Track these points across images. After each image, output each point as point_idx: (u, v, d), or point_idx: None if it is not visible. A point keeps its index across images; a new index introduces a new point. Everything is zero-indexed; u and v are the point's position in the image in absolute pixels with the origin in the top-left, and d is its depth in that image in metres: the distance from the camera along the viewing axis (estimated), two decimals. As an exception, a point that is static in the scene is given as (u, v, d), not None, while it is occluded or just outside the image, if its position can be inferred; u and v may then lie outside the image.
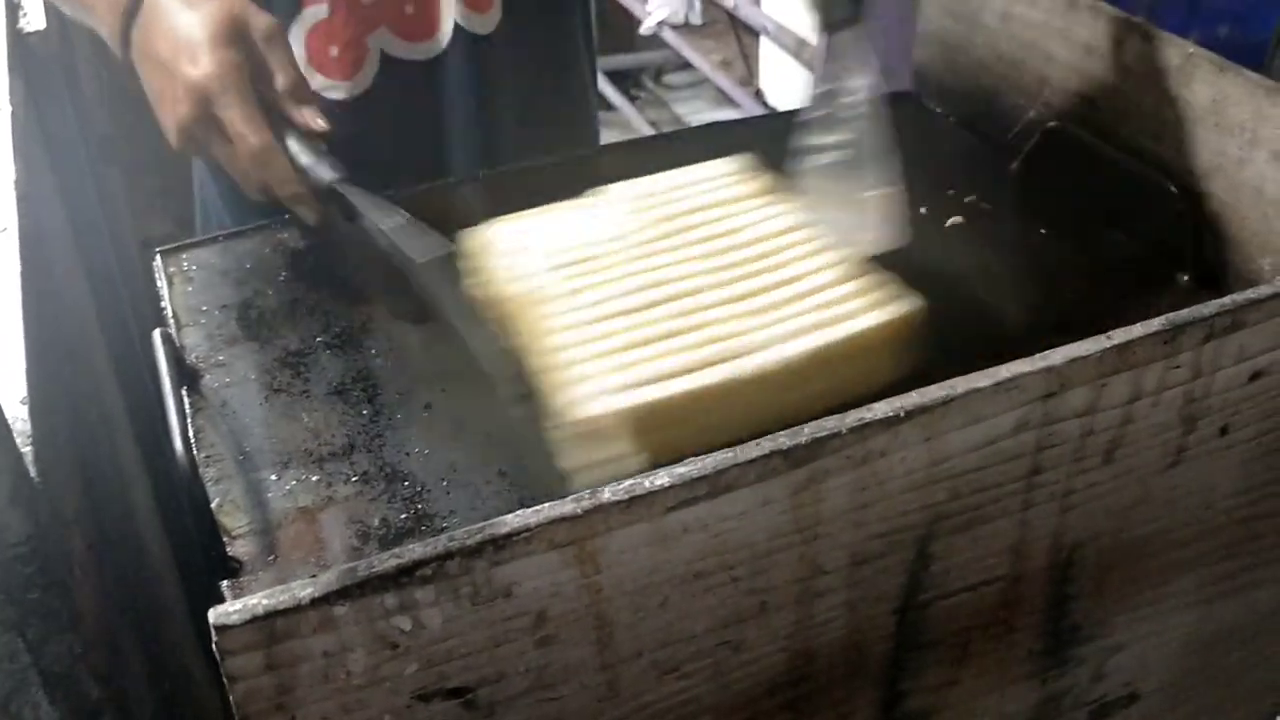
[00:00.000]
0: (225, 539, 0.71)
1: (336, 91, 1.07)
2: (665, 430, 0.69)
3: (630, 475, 0.55)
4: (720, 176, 0.90)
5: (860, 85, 0.84)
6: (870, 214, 0.81)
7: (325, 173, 0.89)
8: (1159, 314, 0.66)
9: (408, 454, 0.77)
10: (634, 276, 0.79)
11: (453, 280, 0.85)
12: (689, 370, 0.70)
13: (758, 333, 0.73)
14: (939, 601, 0.68)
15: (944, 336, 0.81)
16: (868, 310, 0.74)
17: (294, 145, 0.89)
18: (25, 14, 1.30)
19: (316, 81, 1.06)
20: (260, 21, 0.90)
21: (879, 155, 0.82)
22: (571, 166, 1.08)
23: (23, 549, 0.67)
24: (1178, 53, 0.92)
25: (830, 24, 0.83)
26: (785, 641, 0.64)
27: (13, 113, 1.07)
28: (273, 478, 0.75)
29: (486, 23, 1.09)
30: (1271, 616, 0.86)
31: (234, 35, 0.88)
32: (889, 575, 0.65)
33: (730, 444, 0.58)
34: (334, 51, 1.06)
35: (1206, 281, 0.91)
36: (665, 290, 0.78)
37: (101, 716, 0.76)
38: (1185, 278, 0.92)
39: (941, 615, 0.69)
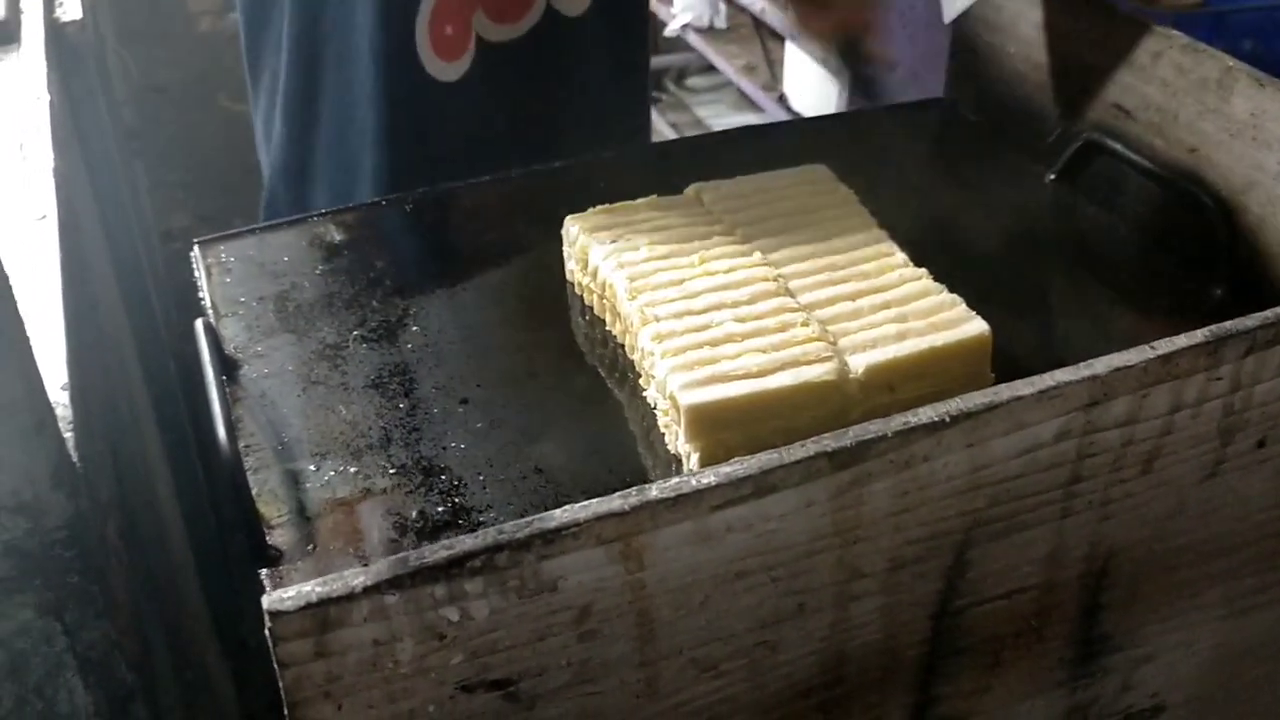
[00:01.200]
0: (265, 529, 0.71)
1: (449, 74, 1.10)
2: (751, 425, 0.70)
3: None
4: (804, 184, 0.93)
5: None
6: None
7: None
8: (1193, 327, 0.67)
9: (444, 448, 0.78)
10: (728, 274, 0.82)
11: None
12: (777, 369, 0.72)
13: (841, 339, 0.75)
14: (974, 608, 0.69)
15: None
16: (945, 327, 0.76)
17: None
18: (61, 3, 1.31)
19: (435, 66, 1.09)
20: None
21: None
22: (650, 160, 1.12)
23: (63, 533, 0.68)
24: (1217, 66, 0.92)
25: None
26: (821, 644, 0.65)
27: (50, 102, 1.08)
28: (311, 468, 0.76)
29: (576, 5, 1.12)
30: (1299, 631, 0.86)
31: None
32: (926, 581, 0.66)
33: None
34: (448, 30, 1.09)
35: (1241, 295, 0.91)
36: (754, 289, 0.80)
37: (133, 702, 0.76)
38: (1219, 291, 0.92)
39: (976, 622, 0.70)
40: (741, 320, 0.77)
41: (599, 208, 0.91)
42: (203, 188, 2.77)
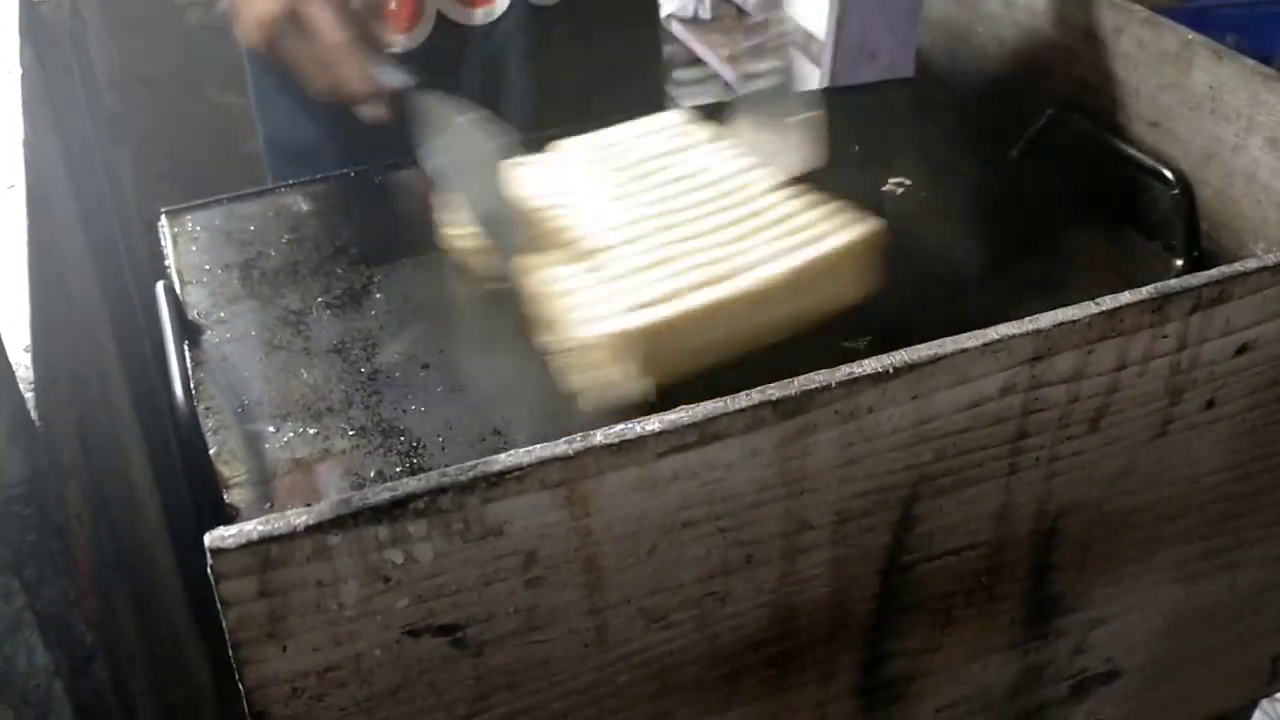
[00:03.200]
0: (223, 488, 0.72)
1: (393, 44, 1.09)
2: (661, 352, 0.74)
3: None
4: (671, 126, 0.95)
5: (782, 17, 0.95)
6: (794, 137, 0.90)
7: (397, 77, 0.90)
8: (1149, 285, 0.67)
9: (404, 411, 0.78)
10: (613, 214, 0.84)
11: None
12: (679, 294, 0.75)
13: (738, 258, 0.79)
14: (923, 564, 0.69)
15: (938, 307, 0.86)
16: (836, 232, 0.81)
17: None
18: (37, -18, 1.31)
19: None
20: None
21: (801, 81, 0.91)
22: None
23: (21, 489, 0.68)
24: (1176, 39, 0.93)
25: None
26: (770, 596, 0.65)
27: (21, 75, 1.08)
28: (270, 430, 0.76)
29: None
30: (1253, 598, 0.87)
31: None
32: (874, 534, 0.66)
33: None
34: (393, 4, 1.08)
35: (1200, 266, 0.92)
36: (645, 226, 0.82)
37: (93, 662, 0.76)
38: (1179, 262, 0.93)
39: (925, 578, 0.70)
40: (627, 258, 0.79)
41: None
42: (188, 178, 2.77)
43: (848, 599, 0.68)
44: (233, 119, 3.00)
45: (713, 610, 0.64)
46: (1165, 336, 0.67)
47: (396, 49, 1.09)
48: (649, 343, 0.73)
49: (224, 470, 0.73)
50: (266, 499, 0.71)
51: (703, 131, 0.94)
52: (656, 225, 0.82)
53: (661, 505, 0.58)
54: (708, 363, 0.77)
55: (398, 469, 0.74)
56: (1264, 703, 1.48)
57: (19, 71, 1.08)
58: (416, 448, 0.75)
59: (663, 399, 0.73)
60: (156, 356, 1.53)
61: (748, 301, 0.76)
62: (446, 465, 0.73)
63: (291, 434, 0.76)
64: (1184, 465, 0.75)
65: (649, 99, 1.28)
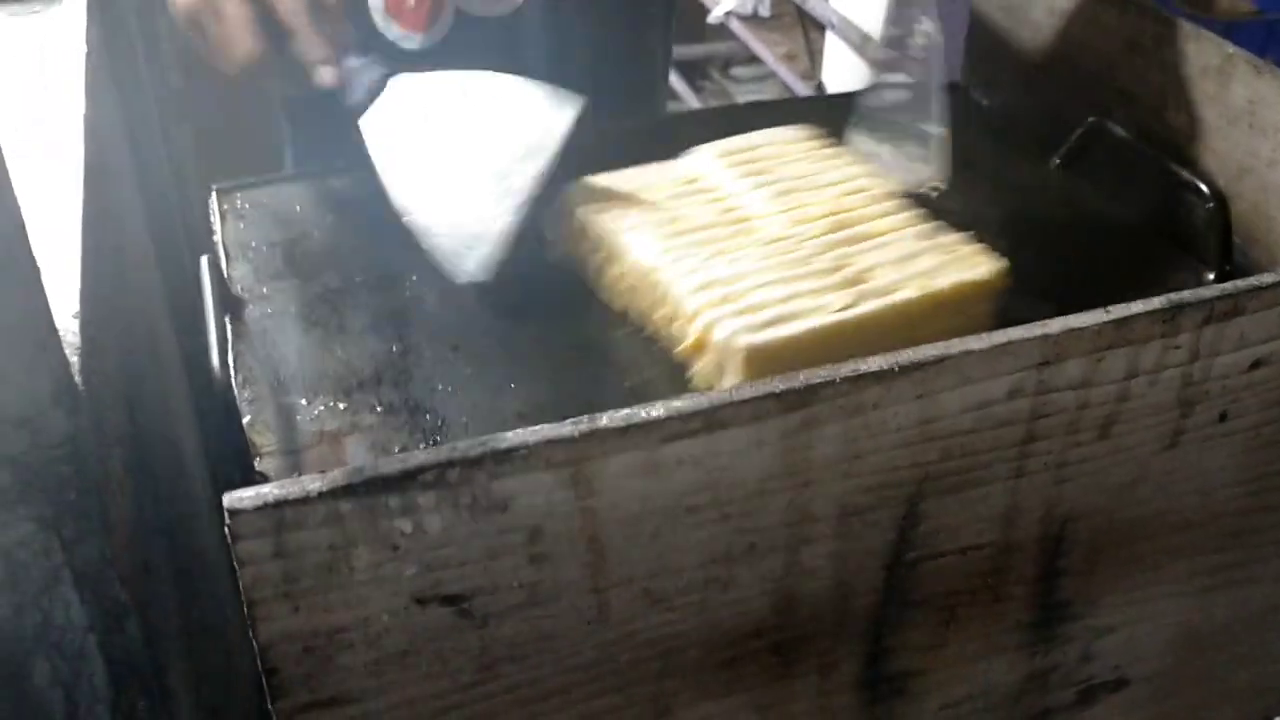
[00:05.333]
0: (254, 456, 0.75)
1: (410, 42, 1.09)
2: (769, 367, 0.71)
3: None
4: (797, 140, 0.94)
5: (925, 30, 0.92)
6: (921, 152, 0.89)
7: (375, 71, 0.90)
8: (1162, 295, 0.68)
9: (433, 390, 0.81)
10: (737, 224, 0.84)
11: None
12: (799, 315, 0.74)
13: (860, 284, 0.77)
14: (927, 561, 0.70)
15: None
16: (962, 267, 0.79)
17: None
18: (108, -36, 1.35)
19: (392, 31, 1.09)
20: None
21: (937, 97, 0.89)
22: (648, 131, 1.13)
23: (62, 449, 0.71)
24: (1217, 52, 0.93)
25: None
26: (773, 585, 0.67)
27: (87, 53, 1.12)
28: (302, 403, 0.79)
29: None
30: (1265, 615, 0.87)
31: None
32: (878, 530, 0.68)
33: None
34: (410, 3, 1.09)
35: (1233, 279, 0.91)
36: (775, 241, 0.81)
37: (127, 619, 0.80)
38: (1211, 276, 0.93)
39: (929, 575, 0.71)
40: (756, 273, 0.78)
41: (593, 174, 0.91)
42: (251, 155, 2.82)
43: (851, 591, 0.70)
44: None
45: (715, 595, 0.66)
46: (1177, 347, 0.68)
47: (415, 45, 1.09)
48: (759, 360, 0.72)
49: (256, 439, 0.76)
50: (295, 469, 0.74)
51: (830, 147, 0.93)
52: (782, 235, 0.82)
53: (665, 489, 0.60)
54: None
55: (421, 445, 0.76)
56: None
57: (84, 50, 1.12)
58: (441, 426, 0.78)
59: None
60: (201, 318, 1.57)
61: (867, 327, 0.75)
62: (468, 444, 0.76)
63: (322, 408, 0.79)
64: (1196, 477, 0.75)
65: (655, 88, 1.29)
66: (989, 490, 0.69)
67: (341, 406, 0.79)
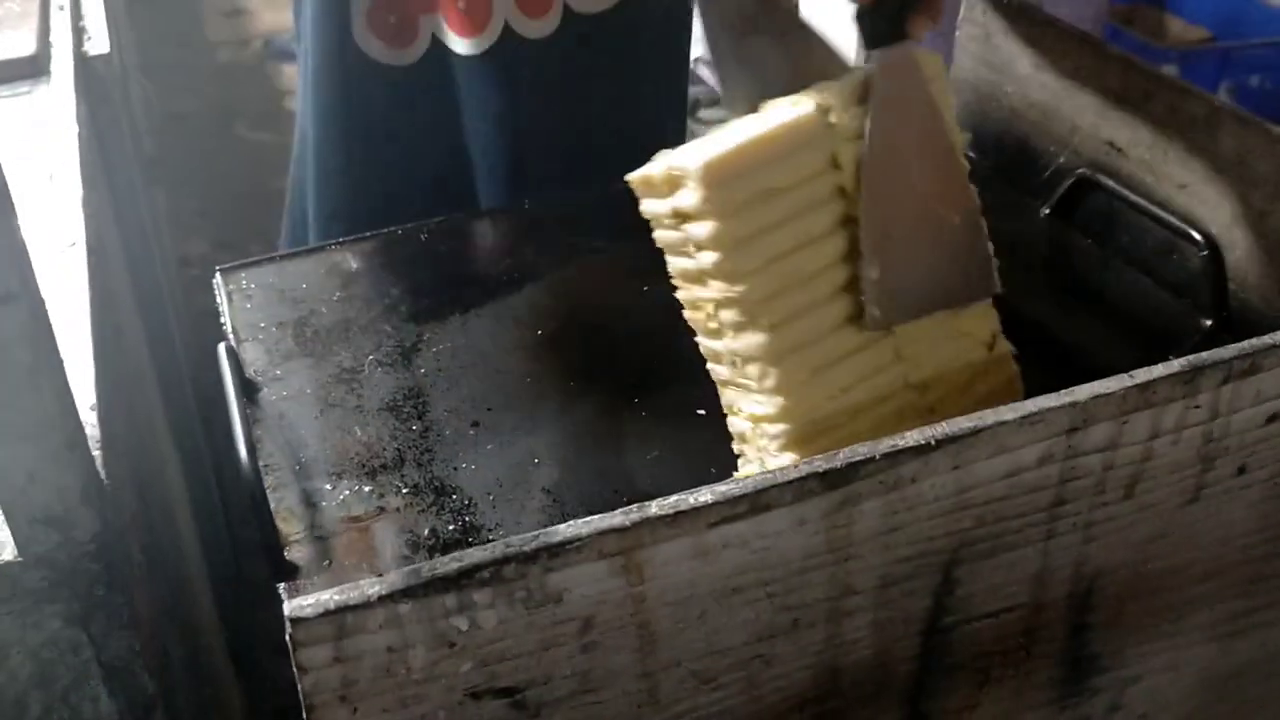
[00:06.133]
0: (282, 545, 0.74)
1: (389, 58, 1.10)
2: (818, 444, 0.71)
3: None
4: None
5: None
6: None
7: None
8: (1180, 358, 0.70)
9: (456, 469, 0.81)
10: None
11: None
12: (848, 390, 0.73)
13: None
14: (963, 626, 0.71)
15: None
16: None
17: None
18: (90, 37, 1.36)
19: (373, 47, 1.10)
20: None
21: None
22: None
23: (91, 547, 0.71)
24: (1203, 106, 0.95)
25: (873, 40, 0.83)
26: (814, 658, 0.67)
27: (79, 133, 1.12)
28: (327, 487, 0.79)
29: (541, 27, 1.11)
30: (1285, 655, 0.88)
31: None
32: (915, 598, 0.68)
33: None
34: (391, 20, 1.09)
35: (1228, 326, 0.94)
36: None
37: (154, 712, 0.79)
38: (1208, 324, 0.95)
39: (965, 639, 0.72)
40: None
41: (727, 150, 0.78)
42: (220, 215, 2.82)
43: (889, 660, 0.70)
44: (264, 155, 3.06)
45: (759, 671, 0.66)
46: (1197, 407, 0.69)
47: (392, 62, 1.10)
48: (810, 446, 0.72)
49: (283, 527, 0.76)
50: (325, 556, 0.74)
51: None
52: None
53: (713, 572, 0.61)
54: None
55: (450, 527, 0.76)
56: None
57: (76, 130, 1.12)
58: (468, 505, 0.78)
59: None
60: (198, 401, 1.56)
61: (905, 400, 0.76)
62: (498, 523, 0.77)
63: (347, 491, 0.79)
64: (1216, 529, 0.77)
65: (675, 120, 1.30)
66: (1021, 554, 0.70)
67: (366, 489, 0.79)
